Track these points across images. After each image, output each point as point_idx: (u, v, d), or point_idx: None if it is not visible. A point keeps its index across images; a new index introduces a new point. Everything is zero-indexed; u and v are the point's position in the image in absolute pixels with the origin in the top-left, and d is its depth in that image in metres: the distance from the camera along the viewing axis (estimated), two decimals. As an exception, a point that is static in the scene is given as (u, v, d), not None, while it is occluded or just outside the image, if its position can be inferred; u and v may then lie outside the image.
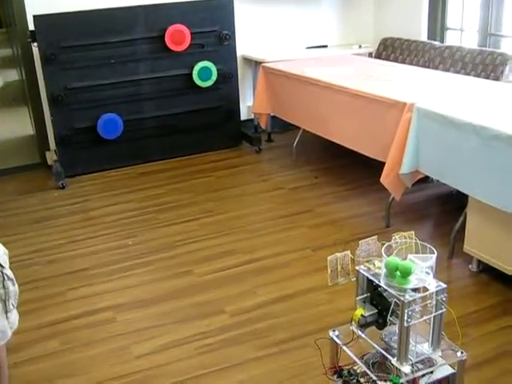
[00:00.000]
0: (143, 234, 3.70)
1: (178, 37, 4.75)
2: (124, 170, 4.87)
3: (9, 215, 4.12)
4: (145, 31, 4.69)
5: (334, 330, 1.92)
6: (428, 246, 1.78)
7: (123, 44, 4.65)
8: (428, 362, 1.76)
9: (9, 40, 11.59)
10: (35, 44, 4.48)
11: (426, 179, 3.42)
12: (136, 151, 4.95)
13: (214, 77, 4.94)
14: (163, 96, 4.91)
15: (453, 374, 1.79)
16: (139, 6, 4.68)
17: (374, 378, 1.76)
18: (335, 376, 1.92)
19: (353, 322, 1.81)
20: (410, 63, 5.04)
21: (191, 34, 4.80)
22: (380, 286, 1.75)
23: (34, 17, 4.35)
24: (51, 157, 4.90)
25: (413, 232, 1.84)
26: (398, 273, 1.70)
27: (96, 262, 3.39)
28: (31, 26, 4.45)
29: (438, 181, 3.50)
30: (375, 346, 1.78)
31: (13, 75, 9.07)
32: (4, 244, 2.26)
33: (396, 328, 1.76)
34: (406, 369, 1.69)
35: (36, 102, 4.93)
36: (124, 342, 2.65)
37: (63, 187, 4.55)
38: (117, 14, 4.60)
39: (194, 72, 4.84)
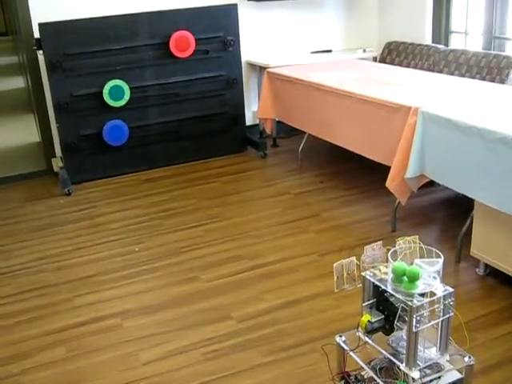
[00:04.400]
0: (149, 241, 3.70)
1: (183, 43, 4.77)
2: (129, 177, 4.88)
3: (15, 222, 4.13)
4: (149, 38, 4.71)
5: (340, 336, 1.92)
6: (434, 250, 1.78)
7: (128, 51, 4.67)
8: (436, 367, 1.75)
9: (14, 48, 11.67)
10: (40, 51, 4.50)
11: (432, 183, 3.41)
12: (141, 157, 4.96)
13: (127, 96, 4.73)
14: (168, 102, 4.92)
15: (461, 379, 1.79)
16: (144, 13, 4.70)
17: (382, 383, 1.76)
18: (342, 382, 1.92)
19: (360, 328, 1.80)
20: (415, 67, 5.04)
21: (196, 40, 4.81)
22: (386, 292, 1.74)
23: (39, 24, 4.38)
24: (57, 164, 4.91)
25: (417, 236, 1.83)
26: (405, 278, 1.69)
27: (102, 268, 3.40)
28: (36, 34, 4.47)
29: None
30: (383, 351, 1.78)
31: (19, 83, 9.11)
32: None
33: (403, 333, 1.75)
34: (415, 374, 1.69)
35: (42, 109, 4.96)
36: (131, 348, 2.65)
37: (69, 194, 4.56)
38: (122, 21, 4.62)
39: (104, 92, 4.64)
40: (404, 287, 1.69)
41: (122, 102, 4.71)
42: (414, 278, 1.68)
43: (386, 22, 5.88)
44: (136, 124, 4.84)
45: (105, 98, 4.65)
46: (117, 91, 4.64)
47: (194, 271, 3.29)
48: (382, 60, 5.49)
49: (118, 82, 4.63)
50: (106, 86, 4.62)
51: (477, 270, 3.09)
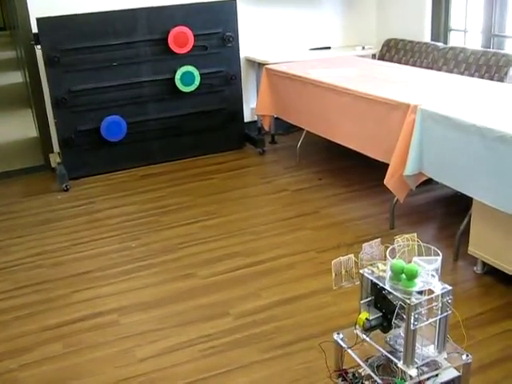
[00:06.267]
0: (147, 237, 3.70)
1: (181, 39, 4.75)
2: (127, 172, 4.87)
3: (13, 217, 4.12)
4: (148, 33, 4.70)
5: (338, 333, 1.92)
6: (433, 248, 1.78)
7: (126, 46, 4.66)
8: (433, 365, 1.75)
9: (12, 42, 11.65)
10: (38, 46, 4.49)
11: (430, 181, 3.41)
12: (139, 153, 4.95)
13: (197, 81, 4.89)
14: (166, 98, 4.91)
15: (458, 377, 1.79)
16: (142, 9, 4.68)
17: (379, 381, 1.75)
18: (340, 379, 1.92)
19: (357, 326, 1.80)
20: (414, 64, 5.04)
21: (194, 36, 4.80)
22: (384, 289, 1.74)
23: (37, 19, 4.36)
24: (55, 159, 4.90)
25: (415, 234, 1.83)
26: (404, 275, 1.69)
27: (100, 264, 3.39)
28: (34, 29, 4.46)
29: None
30: (380, 349, 1.78)
31: (17, 77, 9.09)
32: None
33: (401, 331, 1.75)
34: (412, 372, 1.68)
35: (40, 104, 4.94)
36: (128, 344, 2.65)
37: (67, 189, 4.55)
38: (120, 16, 4.60)
39: (176, 77, 4.79)
40: (402, 285, 1.68)
41: (192, 88, 4.86)
42: (412, 276, 1.67)
43: (385, 19, 5.87)
44: (134, 120, 4.83)
45: (176, 84, 4.81)
46: (188, 77, 4.79)
47: (191, 268, 3.29)
48: (381, 57, 5.49)
49: (189, 67, 4.76)
50: (177, 72, 4.77)
51: (474, 268, 3.09)
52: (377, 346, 1.79)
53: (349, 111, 3.87)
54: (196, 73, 4.84)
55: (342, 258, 1.84)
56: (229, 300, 2.95)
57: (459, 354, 1.79)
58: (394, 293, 1.69)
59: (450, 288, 1.71)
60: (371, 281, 1.79)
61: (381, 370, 1.80)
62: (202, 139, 5.15)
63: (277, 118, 5.16)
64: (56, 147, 4.97)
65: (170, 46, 4.74)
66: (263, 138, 5.32)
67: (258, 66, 5.49)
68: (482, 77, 4.39)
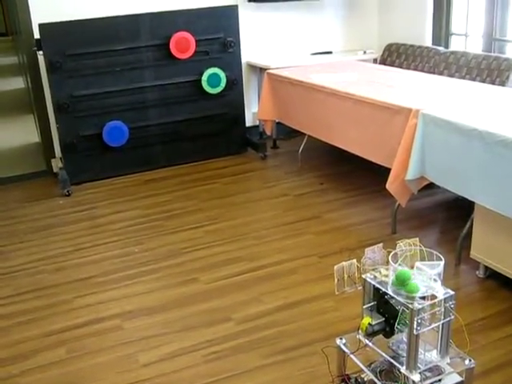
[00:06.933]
0: (149, 242, 3.70)
1: (183, 44, 4.76)
2: (130, 178, 4.88)
3: (15, 223, 4.13)
4: (150, 39, 4.71)
5: (341, 338, 1.92)
6: (435, 252, 1.78)
7: (128, 52, 4.67)
8: (436, 370, 1.75)
9: (14, 48, 11.67)
10: (41, 52, 4.50)
11: (432, 185, 3.41)
12: (141, 158, 4.96)
13: (223, 83, 4.96)
14: (168, 103, 4.92)
15: (461, 382, 1.79)
16: (144, 14, 4.69)
17: (382, 386, 1.76)
18: (342, 384, 1.92)
19: (360, 331, 1.80)
20: (415, 69, 5.04)
21: (196, 41, 4.81)
22: (387, 294, 1.74)
23: (40, 25, 4.37)
24: (57, 164, 4.91)
25: (417, 239, 1.83)
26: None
27: (102, 269, 3.39)
28: (37, 35, 4.47)
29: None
30: (383, 354, 1.78)
31: (19, 83, 9.11)
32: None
33: (403, 336, 1.75)
34: (415, 377, 1.68)
35: (42, 109, 4.95)
36: (131, 349, 2.64)
37: (69, 195, 4.56)
38: (122, 21, 4.61)
39: (203, 78, 4.85)
40: (405, 290, 1.68)
41: (218, 89, 4.96)
42: (403, 281, 1.67)
43: (386, 23, 5.88)
44: (136, 125, 4.83)
45: (203, 86, 4.90)
46: (214, 79, 4.88)
47: (194, 273, 3.29)
48: (383, 62, 5.50)
49: (215, 69, 4.85)
50: (204, 74, 4.86)
51: (477, 272, 3.08)
52: (379, 351, 1.79)
53: (350, 116, 3.88)
54: (222, 74, 4.91)
55: (344, 262, 1.84)
56: (231, 305, 2.95)
57: (462, 359, 1.79)
58: (397, 298, 1.69)
59: (452, 293, 1.71)
60: (373, 286, 1.79)
61: (383, 375, 1.80)
62: (204, 144, 5.16)
63: (278, 123, 5.16)
64: (58, 152, 4.98)
65: (172, 51, 4.75)
66: (265, 142, 5.33)
67: (259, 70, 5.50)
68: (483, 81, 4.40)
